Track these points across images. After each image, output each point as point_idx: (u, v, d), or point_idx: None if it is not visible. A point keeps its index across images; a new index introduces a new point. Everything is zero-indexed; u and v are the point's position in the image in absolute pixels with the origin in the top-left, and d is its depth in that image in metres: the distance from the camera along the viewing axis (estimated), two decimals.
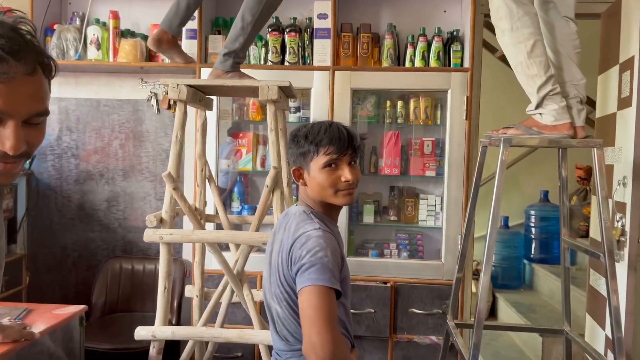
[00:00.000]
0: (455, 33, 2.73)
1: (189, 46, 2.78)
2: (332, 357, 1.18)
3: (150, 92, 2.96)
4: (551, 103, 1.85)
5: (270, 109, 2.08)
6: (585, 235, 3.76)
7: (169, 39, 2.51)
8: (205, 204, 2.46)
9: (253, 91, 2.14)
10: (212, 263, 2.54)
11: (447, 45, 2.72)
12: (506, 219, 4.53)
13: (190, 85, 2.08)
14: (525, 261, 4.52)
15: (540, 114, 1.88)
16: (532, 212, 4.52)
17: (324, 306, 1.22)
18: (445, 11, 2.84)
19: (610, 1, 2.32)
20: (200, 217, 2.33)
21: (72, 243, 3.05)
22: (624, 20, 2.14)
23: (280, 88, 2.06)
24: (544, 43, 1.86)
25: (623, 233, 2.05)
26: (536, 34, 1.83)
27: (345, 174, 1.36)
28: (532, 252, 4.49)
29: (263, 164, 2.88)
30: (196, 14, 2.65)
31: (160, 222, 2.05)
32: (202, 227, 2.25)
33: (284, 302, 1.36)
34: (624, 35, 2.14)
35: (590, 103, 2.81)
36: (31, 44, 0.83)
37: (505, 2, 1.83)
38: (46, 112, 0.87)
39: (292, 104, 2.80)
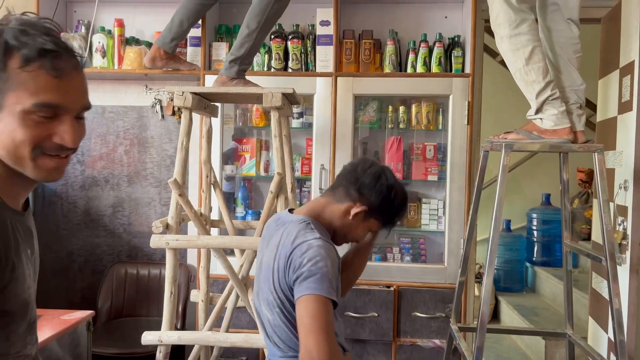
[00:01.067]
0: (456, 39, 2.75)
1: (192, 54, 2.82)
2: None
3: (155, 98, 2.99)
4: (550, 108, 1.87)
5: (274, 116, 2.10)
6: (587, 238, 3.78)
7: (162, 55, 2.56)
8: (210, 209, 2.48)
9: (257, 98, 2.16)
10: (217, 268, 2.56)
11: (448, 50, 2.74)
12: (508, 222, 4.55)
13: (195, 93, 2.11)
14: (528, 264, 4.54)
15: (540, 118, 1.90)
16: (534, 215, 4.54)
17: (321, 315, 1.23)
18: (446, 17, 2.87)
19: (610, 6, 2.34)
20: (205, 223, 2.35)
21: (78, 248, 3.08)
22: (624, 25, 2.16)
23: (284, 95, 2.09)
24: (542, 49, 1.88)
25: (625, 236, 2.07)
26: (534, 40, 1.85)
27: (373, 237, 1.60)
28: (534, 255, 4.51)
29: (267, 169, 2.91)
30: (200, 21, 2.68)
31: (167, 228, 2.07)
32: (208, 233, 2.27)
33: (276, 309, 1.35)
34: (624, 40, 2.17)
35: (591, 106, 2.83)
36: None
37: (504, 9, 1.85)
38: (90, 106, 0.92)
39: (295, 109, 2.82)
